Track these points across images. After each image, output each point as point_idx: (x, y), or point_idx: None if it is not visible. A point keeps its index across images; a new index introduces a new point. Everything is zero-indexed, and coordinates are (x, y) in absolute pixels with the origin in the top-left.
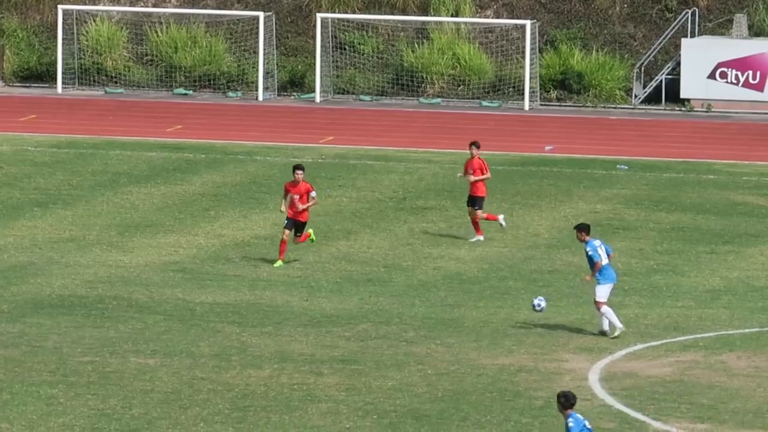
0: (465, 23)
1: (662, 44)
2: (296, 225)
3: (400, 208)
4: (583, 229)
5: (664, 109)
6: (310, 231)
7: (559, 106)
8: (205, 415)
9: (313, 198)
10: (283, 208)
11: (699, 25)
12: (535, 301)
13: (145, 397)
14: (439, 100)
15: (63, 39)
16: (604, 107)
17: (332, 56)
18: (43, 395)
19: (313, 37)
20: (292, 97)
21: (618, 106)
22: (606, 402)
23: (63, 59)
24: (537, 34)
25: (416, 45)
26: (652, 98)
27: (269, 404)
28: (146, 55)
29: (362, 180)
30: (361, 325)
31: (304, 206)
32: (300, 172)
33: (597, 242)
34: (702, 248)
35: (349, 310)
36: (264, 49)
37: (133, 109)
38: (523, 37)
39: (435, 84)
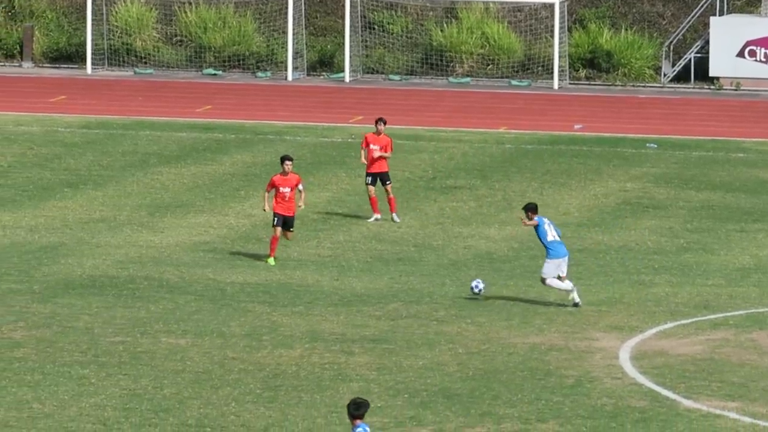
0: (494, 2)
1: (691, 22)
2: (285, 220)
3: (430, 187)
4: (530, 209)
5: (693, 88)
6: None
7: (588, 84)
8: (236, 395)
9: (301, 191)
10: (266, 207)
11: (728, 3)
12: (473, 283)
13: (176, 377)
14: (468, 79)
15: (92, 19)
16: (633, 86)
17: (361, 36)
18: (75, 375)
19: (342, 17)
20: (322, 76)
21: (647, 84)
22: (637, 380)
23: (92, 40)
24: (566, 13)
25: (445, 24)
26: (681, 77)
27: (300, 384)
28: (176, 35)
29: (392, 159)
30: (392, 305)
31: (296, 199)
32: (289, 162)
33: (545, 219)
34: (732, 226)
35: (379, 289)
36: (293, 29)
37: (162, 90)
38: (552, 15)
39: (464, 63)
